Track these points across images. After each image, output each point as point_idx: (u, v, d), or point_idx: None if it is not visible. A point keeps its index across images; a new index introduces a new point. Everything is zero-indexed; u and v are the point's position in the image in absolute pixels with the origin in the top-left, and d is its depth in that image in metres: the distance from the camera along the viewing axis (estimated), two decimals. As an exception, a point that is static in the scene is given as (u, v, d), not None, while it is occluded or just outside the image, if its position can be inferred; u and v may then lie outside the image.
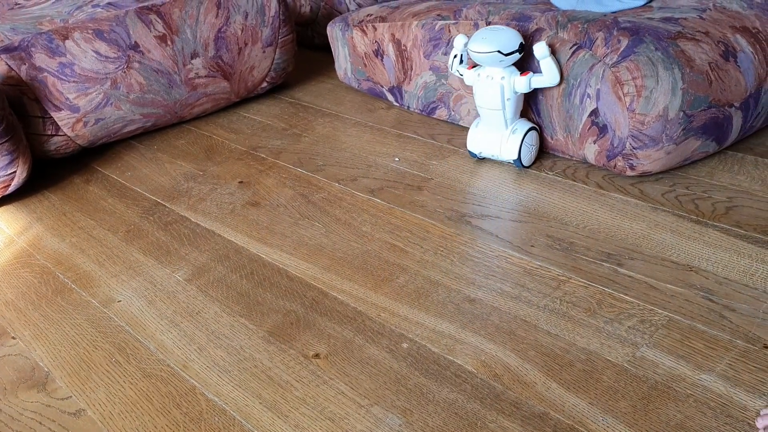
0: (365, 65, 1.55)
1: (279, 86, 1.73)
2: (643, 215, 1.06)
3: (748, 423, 0.72)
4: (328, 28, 1.62)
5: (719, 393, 0.76)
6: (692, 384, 0.77)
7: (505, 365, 0.83)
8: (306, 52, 1.93)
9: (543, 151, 1.28)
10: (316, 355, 0.90)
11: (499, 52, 1.11)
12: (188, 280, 1.08)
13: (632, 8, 1.24)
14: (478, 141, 1.23)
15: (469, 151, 1.26)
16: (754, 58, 1.10)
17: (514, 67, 1.16)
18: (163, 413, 0.83)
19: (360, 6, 1.76)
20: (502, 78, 1.15)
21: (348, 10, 1.79)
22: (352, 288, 1.00)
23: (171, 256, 1.15)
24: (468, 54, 1.18)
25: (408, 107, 1.51)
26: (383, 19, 1.46)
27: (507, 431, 0.74)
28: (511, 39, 1.12)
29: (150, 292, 1.06)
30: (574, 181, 1.18)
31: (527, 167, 1.22)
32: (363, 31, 1.51)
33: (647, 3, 1.25)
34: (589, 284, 0.94)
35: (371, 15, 1.51)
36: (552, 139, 1.22)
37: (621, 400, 0.76)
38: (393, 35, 1.43)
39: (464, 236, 1.08)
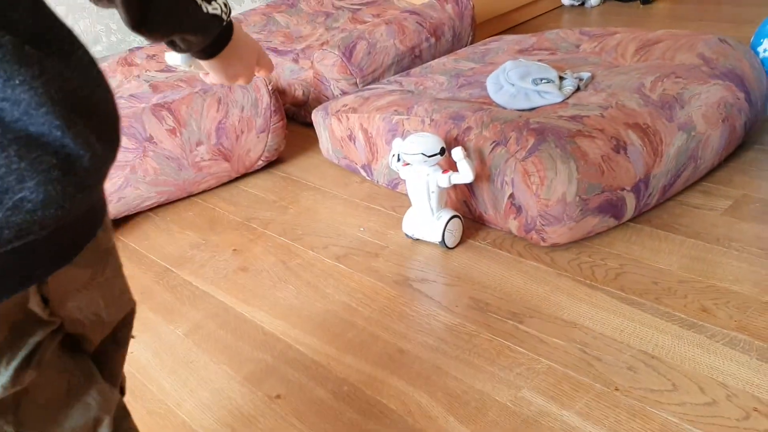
0: (342, 146, 1.83)
1: (273, 161, 2.02)
2: (549, 280, 1.31)
3: (586, 447, 0.96)
4: (313, 115, 1.91)
5: (574, 426, 1.00)
6: (555, 419, 1.01)
7: (417, 403, 1.08)
8: (299, 128, 2.22)
9: (480, 224, 1.53)
10: (278, 396, 1.16)
11: (423, 154, 1.38)
12: (186, 335, 1.35)
13: (552, 104, 1.51)
14: (410, 225, 1.49)
15: (404, 233, 1.52)
16: (643, 149, 1.35)
17: (437, 166, 1.42)
18: (158, 441, 1.10)
19: (343, 93, 2.05)
20: (428, 174, 1.41)
21: (333, 95, 2.08)
22: (311, 341, 1.27)
23: (174, 314, 1.42)
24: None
25: (377, 182, 1.78)
26: (354, 110, 1.75)
27: (409, 454, 0.99)
28: (434, 144, 1.38)
29: (156, 344, 1.34)
30: (500, 249, 1.43)
31: (451, 248, 1.47)
32: (339, 119, 1.79)
33: (565, 99, 1.52)
34: (493, 338, 1.19)
35: (346, 105, 1.79)
36: (486, 214, 1.48)
37: (500, 431, 1.01)
38: (361, 124, 1.71)
39: (405, 297, 1.34)
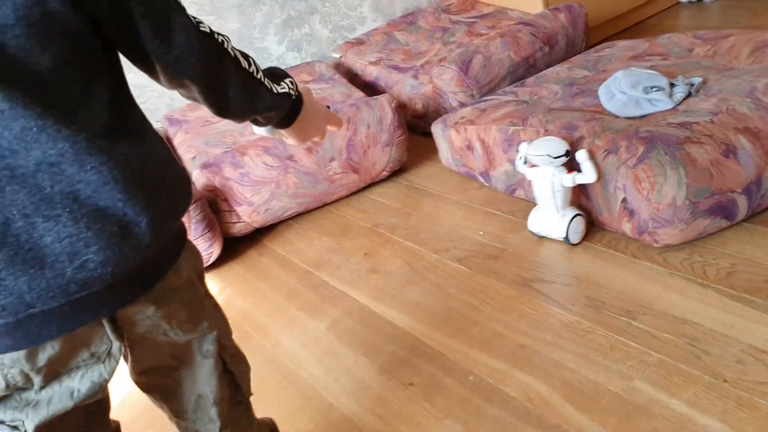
0: (460, 155, 1.97)
1: (397, 171, 2.19)
2: (661, 279, 1.39)
3: (694, 433, 1.04)
4: (433, 127, 2.06)
5: (682, 413, 1.09)
6: (664, 407, 1.11)
7: (537, 391, 1.21)
8: (419, 139, 2.38)
9: (596, 227, 1.62)
10: (411, 384, 1.32)
11: (549, 155, 1.50)
12: (328, 329, 1.54)
13: (663, 111, 1.57)
14: (536, 223, 1.61)
15: (529, 230, 1.64)
16: (753, 153, 1.40)
17: (562, 167, 1.53)
18: (311, 421, 1.29)
19: (461, 104, 2.19)
20: (553, 175, 1.53)
21: (451, 107, 2.22)
22: (437, 336, 1.42)
23: (317, 311, 1.62)
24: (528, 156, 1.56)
25: (495, 188, 1.91)
26: (472, 122, 1.88)
27: (529, 435, 1.12)
28: (560, 146, 1.50)
29: (304, 337, 1.54)
30: (615, 251, 1.52)
31: (575, 244, 1.58)
32: (457, 130, 1.93)
33: (676, 106, 1.58)
34: (608, 333, 1.29)
35: (464, 117, 1.93)
36: (601, 217, 1.57)
37: (612, 416, 1.11)
38: (479, 135, 1.84)
39: (524, 297, 1.46)
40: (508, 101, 1.93)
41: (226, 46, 0.75)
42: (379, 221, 1.94)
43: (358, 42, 2.71)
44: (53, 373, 0.69)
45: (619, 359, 1.22)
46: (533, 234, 1.65)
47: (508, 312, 1.43)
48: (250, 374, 0.96)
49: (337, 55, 2.69)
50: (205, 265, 1.85)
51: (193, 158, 2.06)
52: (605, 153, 1.47)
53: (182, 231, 0.78)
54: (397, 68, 2.46)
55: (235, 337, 1.53)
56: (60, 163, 0.60)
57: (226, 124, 2.23)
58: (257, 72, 0.79)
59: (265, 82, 0.80)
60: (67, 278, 0.61)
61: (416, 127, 2.43)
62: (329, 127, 0.99)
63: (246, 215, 1.93)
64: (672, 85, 1.64)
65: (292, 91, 0.85)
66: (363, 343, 1.47)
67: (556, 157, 1.50)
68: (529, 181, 1.66)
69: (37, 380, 0.68)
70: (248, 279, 1.83)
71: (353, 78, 2.60)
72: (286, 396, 1.38)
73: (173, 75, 0.72)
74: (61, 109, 0.61)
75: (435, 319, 1.47)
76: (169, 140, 2.30)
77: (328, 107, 1.00)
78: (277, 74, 0.85)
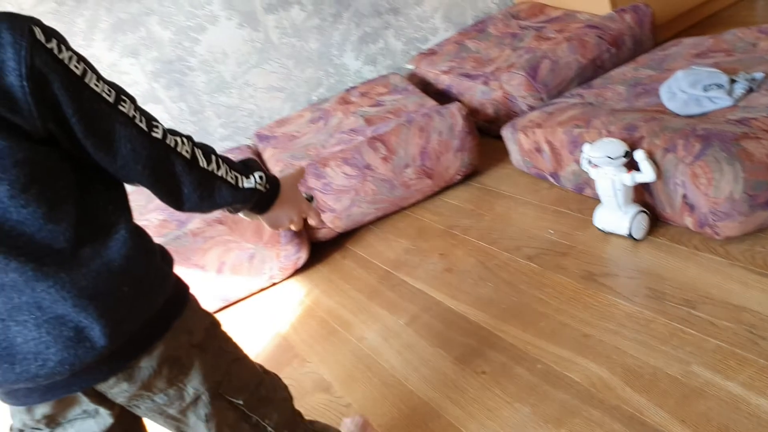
0: (530, 157, 2.06)
1: (470, 174, 2.30)
2: (722, 270, 1.45)
3: (752, 414, 1.11)
4: (502, 131, 2.16)
5: (737, 394, 1.16)
6: (720, 389, 1.18)
7: (599, 377, 1.30)
8: (492, 142, 2.48)
9: (661, 221, 1.69)
10: (483, 372, 1.44)
11: (608, 157, 1.58)
12: (407, 324, 1.68)
13: (723, 108, 1.62)
14: (601, 219, 1.69)
15: (596, 226, 1.72)
16: (813, 144, 1.43)
17: (622, 167, 1.61)
18: (394, 406, 1.43)
19: (530, 108, 2.28)
20: (614, 175, 1.61)
21: (521, 110, 2.32)
22: (509, 329, 1.53)
23: (396, 308, 1.76)
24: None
25: (564, 187, 1.99)
26: (539, 126, 1.97)
27: (593, 416, 1.22)
28: (618, 148, 1.58)
29: (385, 332, 1.69)
30: (678, 244, 1.59)
31: (638, 240, 1.65)
32: (525, 134, 2.03)
33: (736, 103, 1.62)
34: (668, 323, 1.37)
35: (531, 121, 2.03)
36: (664, 212, 1.64)
37: (669, 398, 1.20)
38: (546, 138, 1.94)
39: (590, 290, 1.55)
40: (575, 104, 2.01)
41: (179, 148, 0.80)
42: (453, 223, 2.06)
43: (431, 52, 2.84)
44: (53, 422, 0.82)
45: (677, 346, 1.30)
46: (600, 230, 1.73)
47: (574, 305, 1.53)
48: (289, 403, 1.00)
49: (411, 67, 2.83)
50: (295, 268, 2.04)
51: (281, 171, 2.24)
52: (664, 151, 1.54)
53: (163, 317, 0.82)
54: (468, 76, 2.57)
55: (325, 332, 1.69)
56: (16, 285, 0.72)
57: (309, 138, 2.42)
58: (218, 168, 0.84)
59: (227, 178, 0.85)
60: (32, 372, 0.74)
61: (488, 131, 2.53)
62: (308, 218, 1.02)
63: (329, 221, 2.10)
64: (733, 81, 1.68)
65: (259, 186, 0.89)
66: (439, 336, 1.60)
67: (614, 158, 1.58)
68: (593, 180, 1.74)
69: (42, 427, 0.82)
70: (333, 280, 2.00)
71: (426, 87, 2.73)
72: (370, 385, 1.53)
73: (124, 178, 0.79)
74: (12, 239, 0.70)
75: (506, 314, 1.58)
76: (259, 155, 2.50)
77: (312, 198, 1.04)
78: (249, 167, 0.89)
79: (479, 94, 2.48)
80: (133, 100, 0.79)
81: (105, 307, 0.75)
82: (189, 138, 0.83)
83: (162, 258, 0.85)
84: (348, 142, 2.23)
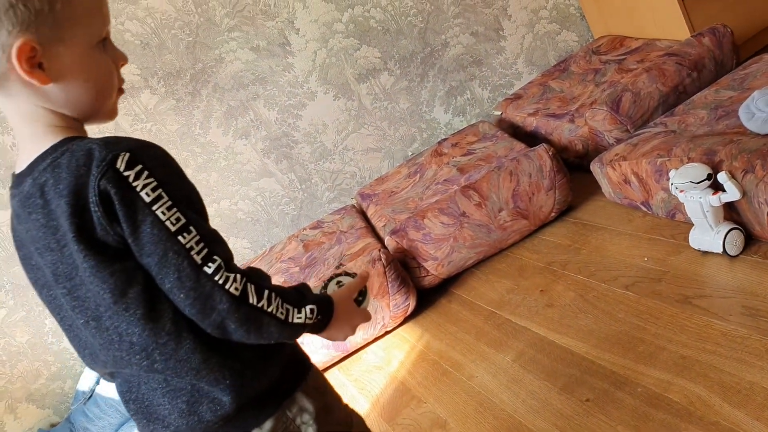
0: (620, 189, 2.14)
1: (566, 210, 2.39)
2: (817, 283, 1.47)
3: None
4: (591, 167, 2.25)
5: (836, 403, 1.19)
6: (818, 399, 1.21)
7: (698, 395, 1.36)
8: (583, 176, 2.55)
9: (753, 239, 1.72)
10: (587, 399, 1.52)
11: (691, 182, 1.65)
12: (514, 360, 1.79)
13: (803, 122, 1.65)
14: (696, 240, 1.75)
15: (692, 246, 1.77)
16: None
17: (708, 189, 1.66)
18: (503, 435, 1.54)
19: (617, 140, 2.36)
20: (700, 197, 1.67)
21: (608, 143, 2.39)
22: (609, 357, 1.61)
23: (502, 346, 1.87)
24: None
25: (657, 214, 2.05)
26: (624, 158, 2.05)
27: (691, 433, 1.28)
28: (701, 172, 1.64)
29: (492, 369, 1.80)
30: (771, 261, 1.61)
31: (734, 256, 1.68)
32: (613, 167, 2.11)
33: (816, 115, 1.65)
34: (763, 338, 1.40)
35: (617, 155, 2.11)
36: (755, 230, 1.67)
37: (766, 411, 1.24)
38: (632, 170, 2.01)
39: (686, 313, 1.61)
40: (658, 133, 2.07)
41: (227, 285, 0.83)
42: (551, 259, 2.16)
43: (516, 97, 2.97)
44: None
45: (774, 361, 1.34)
46: (696, 250, 1.78)
47: (670, 328, 1.58)
48: None
49: (498, 113, 2.97)
50: (405, 315, 2.20)
51: (384, 226, 2.43)
52: (743, 173, 1.59)
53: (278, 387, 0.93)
54: (554, 115, 2.68)
55: (438, 373, 1.83)
56: (138, 375, 0.90)
57: (407, 192, 2.60)
58: (269, 304, 0.87)
59: (278, 314, 0.87)
60: None
61: (580, 167, 2.61)
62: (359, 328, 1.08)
63: (433, 269, 2.25)
64: (811, 95, 1.71)
65: (309, 320, 0.91)
66: (544, 369, 1.69)
67: (698, 182, 1.64)
68: (683, 204, 1.80)
69: None
70: (441, 324, 2.13)
71: (515, 130, 2.86)
72: (482, 419, 1.64)
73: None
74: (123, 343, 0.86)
75: (605, 343, 1.66)
76: (363, 213, 2.71)
77: (353, 275, 1.10)
78: (303, 297, 0.92)
79: (566, 132, 2.58)
80: (202, 233, 0.84)
81: (232, 378, 0.88)
82: (245, 274, 0.86)
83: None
84: (443, 193, 2.39)
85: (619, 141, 2.34)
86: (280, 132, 2.75)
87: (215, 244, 0.85)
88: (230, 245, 2.76)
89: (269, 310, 0.87)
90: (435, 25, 2.89)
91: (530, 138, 2.76)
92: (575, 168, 2.63)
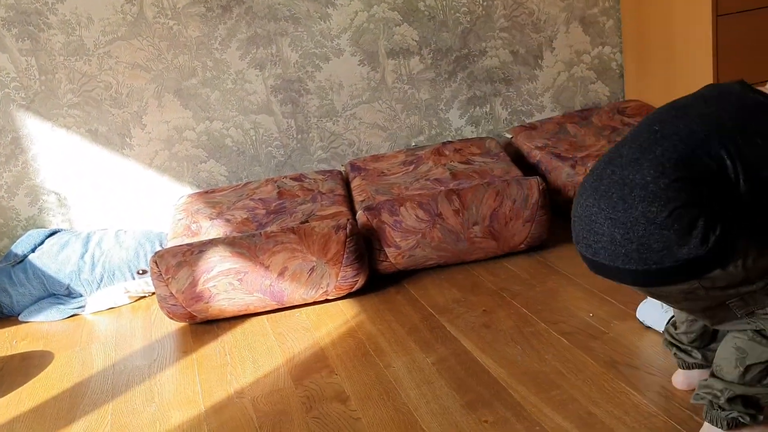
0: None
1: (538, 246, 2.39)
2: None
3: None
4: None
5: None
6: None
7: (588, 452, 1.37)
8: (567, 223, 2.56)
9: (697, 330, 1.73)
10: (486, 421, 1.53)
11: None
12: (433, 363, 1.80)
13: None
14: (643, 313, 1.78)
15: (637, 318, 1.79)
16: None
17: None
18: (397, 429, 1.55)
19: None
20: None
21: (599, 198, 2.40)
22: (522, 390, 1.62)
23: (428, 347, 1.88)
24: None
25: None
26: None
27: (568, 483, 1.29)
28: None
29: (411, 365, 1.81)
30: (706, 355, 1.62)
31: None
32: None
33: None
34: (668, 421, 1.41)
35: None
36: (702, 322, 1.69)
37: (646, 488, 1.25)
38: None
39: (609, 375, 1.62)
40: None
41: None
42: (505, 286, 2.17)
43: (531, 127, 2.97)
44: None
45: None
46: (641, 322, 1.79)
47: (589, 384, 1.60)
48: None
49: (509, 135, 2.97)
50: (350, 290, 2.20)
51: (362, 201, 2.43)
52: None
53: None
54: (559, 156, 2.68)
55: (359, 352, 1.84)
56: None
57: (396, 178, 2.59)
58: None
59: None
60: None
61: (567, 213, 2.61)
62: None
63: (393, 257, 2.25)
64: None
65: None
66: (457, 381, 1.70)
67: None
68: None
69: None
70: (381, 310, 2.14)
71: (519, 158, 2.86)
72: (383, 406, 1.65)
73: None
74: None
75: (524, 376, 1.67)
76: (347, 182, 2.71)
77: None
78: None
79: (564, 175, 2.58)
80: None
81: None
82: None
83: None
84: (429, 189, 2.39)
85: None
86: (296, 76, 2.74)
87: None
88: (207, 168, 2.76)
89: None
90: (480, 30, 2.89)
91: (530, 169, 2.76)
92: (562, 213, 2.63)
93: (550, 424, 1.48)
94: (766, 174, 1.19)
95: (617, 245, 1.22)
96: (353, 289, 2.21)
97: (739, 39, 2.58)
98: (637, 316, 1.80)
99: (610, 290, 2.02)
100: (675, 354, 1.50)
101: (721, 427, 1.26)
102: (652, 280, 1.24)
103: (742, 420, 1.25)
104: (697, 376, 1.46)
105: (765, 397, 1.26)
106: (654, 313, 1.74)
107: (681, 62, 2.77)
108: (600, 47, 3.06)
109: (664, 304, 1.70)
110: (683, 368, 1.50)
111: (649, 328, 1.77)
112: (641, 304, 1.79)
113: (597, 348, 1.74)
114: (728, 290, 1.22)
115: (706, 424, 1.30)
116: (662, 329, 1.69)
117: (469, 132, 3.03)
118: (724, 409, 1.26)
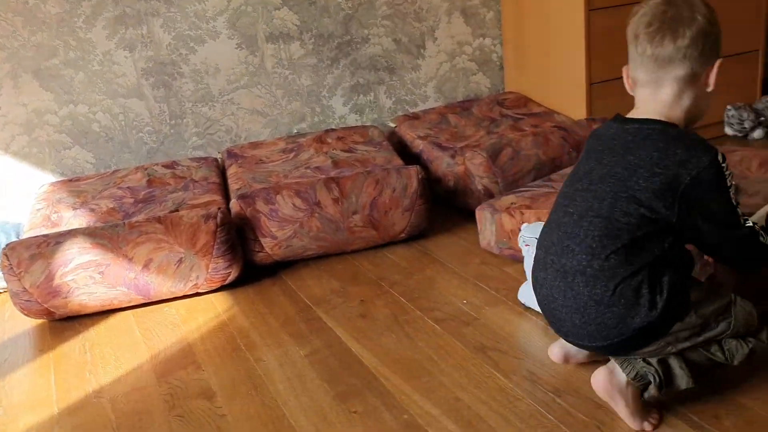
0: (510, 237, 2.08)
1: (418, 235, 2.39)
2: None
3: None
4: (478, 212, 2.19)
5: (568, 481, 1.22)
6: (555, 472, 1.24)
7: (454, 439, 1.37)
8: (448, 212, 2.57)
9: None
10: (355, 412, 1.50)
11: (536, 238, 1.68)
12: (306, 356, 1.74)
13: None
14: (523, 294, 1.82)
15: (519, 300, 1.84)
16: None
17: None
18: (263, 426, 1.49)
19: (485, 188, 2.38)
20: None
21: (477, 189, 2.42)
22: (393, 378, 1.60)
23: (302, 340, 1.82)
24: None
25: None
26: (529, 207, 2.05)
27: (432, 471, 1.28)
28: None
29: (283, 358, 1.75)
30: (570, 338, 1.66)
31: None
32: (511, 214, 2.06)
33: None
34: (532, 404, 1.43)
35: (514, 203, 2.09)
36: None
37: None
38: (537, 218, 1.98)
39: (477, 360, 1.63)
40: (550, 192, 2.09)
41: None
42: (384, 276, 2.14)
43: (414, 116, 2.97)
44: None
45: (532, 426, 1.37)
46: (522, 304, 1.82)
47: (458, 369, 1.60)
48: None
49: (393, 125, 2.95)
50: (222, 283, 2.11)
51: (238, 189, 2.34)
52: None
53: None
54: (440, 146, 2.69)
55: (229, 347, 1.77)
56: None
57: (275, 166, 2.52)
58: None
59: None
60: None
61: (447, 202, 2.63)
62: None
63: (269, 247, 2.18)
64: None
65: None
66: (330, 372, 1.66)
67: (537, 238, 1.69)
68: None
69: None
70: (255, 303, 2.06)
71: (402, 147, 2.85)
72: (250, 401, 1.58)
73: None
74: None
75: (396, 365, 1.65)
76: (223, 170, 2.60)
77: None
78: None
79: (445, 165, 2.59)
80: None
81: None
82: None
83: None
84: (308, 178, 2.33)
85: (486, 189, 2.38)
86: (169, 59, 2.60)
87: None
88: (72, 155, 2.57)
89: None
90: (362, 16, 2.85)
91: (413, 159, 2.76)
92: (442, 202, 2.64)
93: (418, 411, 1.47)
94: (682, 189, 1.22)
95: (578, 328, 1.31)
96: (226, 282, 2.12)
97: (610, 33, 2.67)
98: (518, 297, 1.83)
99: (484, 277, 2.04)
100: None
101: (627, 373, 1.30)
102: (620, 351, 1.31)
103: (650, 378, 1.29)
104: (573, 349, 1.49)
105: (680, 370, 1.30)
106: (532, 293, 1.77)
107: (556, 55, 2.85)
108: (481, 39, 3.10)
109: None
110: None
111: (529, 308, 1.81)
112: (522, 285, 1.83)
113: (468, 334, 1.75)
114: (695, 338, 1.28)
115: (615, 366, 1.33)
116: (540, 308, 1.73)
117: (354, 120, 2.99)
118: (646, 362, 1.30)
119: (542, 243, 1.41)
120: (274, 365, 1.72)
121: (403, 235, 2.33)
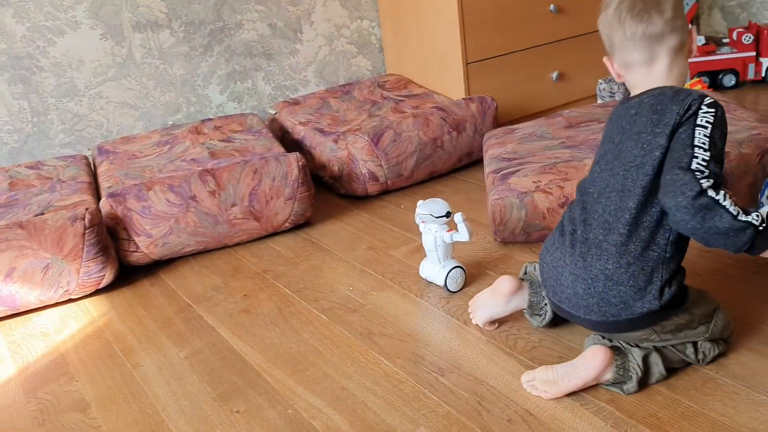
0: (546, 218, 1.93)
1: (303, 224, 2.35)
2: (479, 345, 1.55)
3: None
4: (495, 202, 1.94)
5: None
6: (437, 452, 1.25)
7: (339, 428, 1.35)
8: (333, 198, 2.55)
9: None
10: (237, 411, 1.45)
11: (431, 215, 1.72)
12: (186, 358, 1.68)
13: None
14: (424, 270, 1.85)
15: (420, 275, 1.86)
16: None
17: (444, 225, 1.74)
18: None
19: (369, 172, 2.37)
20: (436, 231, 1.74)
21: (361, 173, 2.40)
22: (277, 373, 1.56)
23: (182, 341, 1.75)
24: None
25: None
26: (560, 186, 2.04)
27: (316, 464, 1.26)
28: (441, 208, 1.74)
29: (161, 362, 1.67)
30: (453, 317, 1.68)
31: (453, 292, 1.79)
32: (547, 192, 1.93)
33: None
34: (416, 385, 1.44)
35: (538, 181, 2.07)
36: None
37: (391, 456, 1.26)
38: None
39: (363, 347, 1.62)
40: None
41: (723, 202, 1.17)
42: (268, 268, 2.10)
43: (294, 102, 2.92)
44: None
45: (416, 408, 1.38)
46: (423, 279, 1.85)
47: (343, 358, 1.58)
48: None
49: (273, 112, 2.89)
50: (96, 287, 1.99)
51: (109, 187, 2.22)
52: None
53: None
54: (321, 131, 2.66)
55: (105, 354, 1.68)
56: None
57: (149, 160, 2.41)
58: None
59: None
60: None
61: (332, 188, 2.61)
62: None
63: (144, 246, 2.08)
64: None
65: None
66: (211, 373, 1.60)
67: (437, 217, 1.72)
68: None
69: None
70: (133, 306, 1.96)
71: (283, 134, 2.80)
72: (127, 409, 1.51)
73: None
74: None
75: (280, 359, 1.62)
76: (95, 168, 2.46)
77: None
78: None
79: (328, 150, 2.57)
80: None
81: None
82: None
83: None
84: (184, 171, 2.24)
85: (371, 173, 2.37)
86: (25, 52, 2.42)
87: None
88: None
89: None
90: (234, 2, 2.76)
91: (295, 145, 2.72)
92: (327, 189, 2.62)
93: (302, 404, 1.44)
94: (675, 121, 1.27)
95: (579, 297, 1.33)
96: (100, 286, 2.01)
97: (483, 14, 2.72)
98: (420, 273, 1.86)
99: (370, 262, 2.04)
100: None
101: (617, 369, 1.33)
102: (609, 329, 1.34)
103: (632, 374, 1.32)
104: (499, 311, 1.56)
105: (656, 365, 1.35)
106: (432, 268, 1.80)
107: (432, 36, 2.87)
108: (359, 21, 3.08)
109: (443, 261, 1.75)
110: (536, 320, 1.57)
111: (431, 283, 1.84)
112: (423, 261, 1.85)
113: (354, 321, 1.73)
114: (677, 333, 1.32)
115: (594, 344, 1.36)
116: (441, 283, 1.76)
117: (232, 108, 2.91)
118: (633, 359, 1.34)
119: (566, 215, 1.42)
120: (153, 370, 1.65)
121: (287, 224, 2.29)
